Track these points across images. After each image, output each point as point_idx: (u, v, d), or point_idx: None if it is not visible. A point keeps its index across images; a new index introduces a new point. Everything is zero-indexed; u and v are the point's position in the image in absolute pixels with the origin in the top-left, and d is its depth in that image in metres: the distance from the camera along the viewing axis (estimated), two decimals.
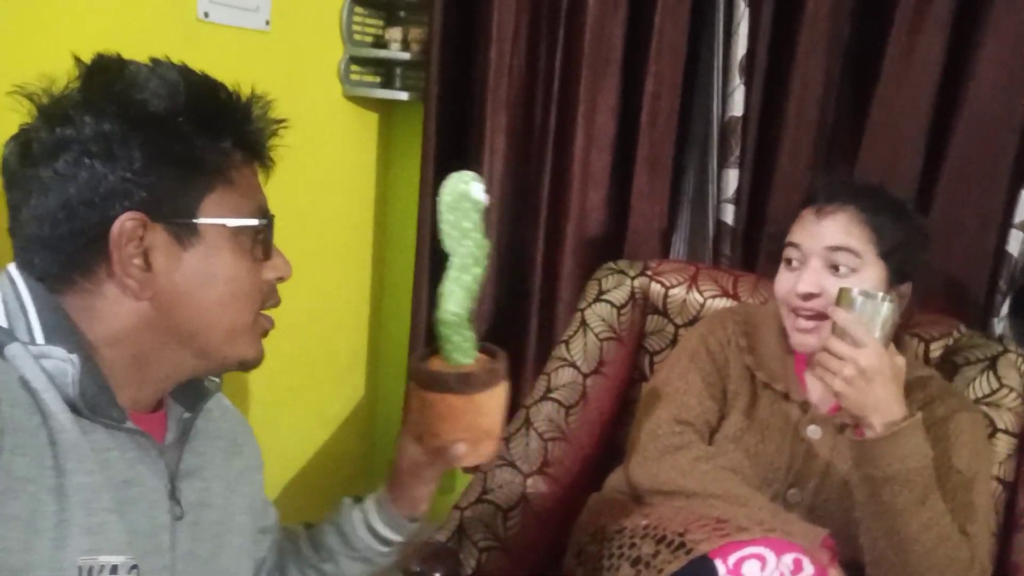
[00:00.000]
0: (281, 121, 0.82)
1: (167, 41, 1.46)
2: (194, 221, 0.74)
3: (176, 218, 0.74)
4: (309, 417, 2.00)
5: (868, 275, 1.18)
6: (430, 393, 0.86)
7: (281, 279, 0.83)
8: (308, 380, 1.94)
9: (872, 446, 1.04)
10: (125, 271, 0.72)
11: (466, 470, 1.96)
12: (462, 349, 0.85)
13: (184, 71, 0.76)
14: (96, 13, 1.34)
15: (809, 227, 1.22)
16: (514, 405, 1.67)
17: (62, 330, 0.71)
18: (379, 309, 2.17)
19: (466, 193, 0.84)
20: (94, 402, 0.71)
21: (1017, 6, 1.39)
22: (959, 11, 1.45)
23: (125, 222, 0.71)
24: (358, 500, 1.03)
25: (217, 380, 0.87)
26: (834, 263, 1.19)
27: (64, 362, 0.69)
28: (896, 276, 1.21)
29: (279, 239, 0.83)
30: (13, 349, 0.69)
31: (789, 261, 1.24)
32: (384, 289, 2.16)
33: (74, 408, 0.70)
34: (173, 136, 0.73)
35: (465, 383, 0.84)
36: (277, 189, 0.84)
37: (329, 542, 1.02)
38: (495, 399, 0.87)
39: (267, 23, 1.65)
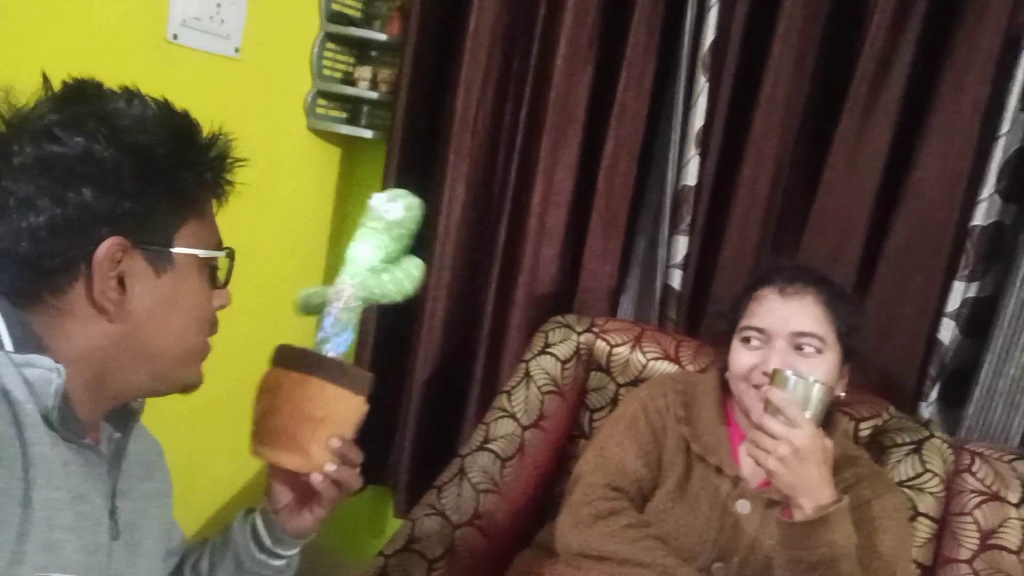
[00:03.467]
0: (241, 160, 0.84)
1: (134, 61, 1.44)
2: (170, 250, 0.77)
3: (154, 245, 0.76)
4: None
5: (829, 358, 1.23)
6: (296, 373, 0.87)
7: (223, 307, 0.86)
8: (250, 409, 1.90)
9: (801, 529, 1.05)
10: (103, 293, 0.73)
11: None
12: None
13: (162, 105, 0.78)
14: (64, 30, 1.32)
15: (774, 310, 1.26)
16: (452, 453, 1.66)
17: (31, 343, 0.71)
18: None
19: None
20: (65, 415, 0.71)
21: (960, 108, 1.46)
22: (907, 106, 1.51)
23: (110, 246, 0.72)
24: (250, 511, 1.00)
25: (141, 401, 0.87)
26: (799, 345, 1.23)
27: (50, 371, 0.69)
28: (845, 358, 1.27)
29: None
30: None
31: (748, 340, 1.27)
32: None
33: (46, 420, 0.70)
34: (161, 167, 0.75)
35: (338, 370, 0.87)
36: (233, 216, 0.85)
37: (216, 548, 0.99)
38: (356, 406, 0.89)
39: (237, 51, 1.65)
